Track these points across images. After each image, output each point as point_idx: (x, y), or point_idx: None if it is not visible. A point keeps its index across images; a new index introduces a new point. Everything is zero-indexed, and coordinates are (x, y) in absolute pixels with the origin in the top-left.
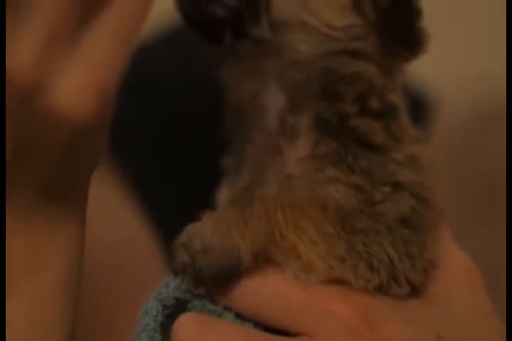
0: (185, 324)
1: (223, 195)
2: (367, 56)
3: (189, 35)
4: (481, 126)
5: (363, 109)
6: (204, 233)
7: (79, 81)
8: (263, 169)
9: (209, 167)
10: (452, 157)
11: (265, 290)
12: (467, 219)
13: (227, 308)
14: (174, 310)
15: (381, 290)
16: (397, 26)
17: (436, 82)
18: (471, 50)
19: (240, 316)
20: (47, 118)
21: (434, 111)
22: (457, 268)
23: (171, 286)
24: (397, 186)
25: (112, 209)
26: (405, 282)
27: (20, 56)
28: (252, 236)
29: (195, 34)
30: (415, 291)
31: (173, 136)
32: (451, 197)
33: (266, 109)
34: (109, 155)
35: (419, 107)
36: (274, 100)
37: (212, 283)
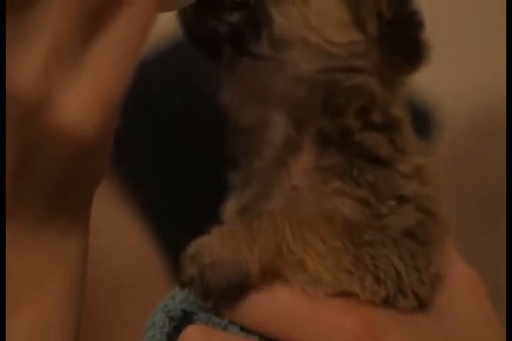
0: (191, 336)
1: (230, 208)
2: (368, 70)
3: (191, 47)
4: (480, 136)
5: (366, 123)
6: (213, 247)
7: (84, 96)
8: (269, 181)
9: (213, 178)
10: (453, 166)
11: (271, 304)
12: (468, 225)
13: (232, 321)
14: (181, 321)
15: (388, 302)
16: (400, 39)
17: (435, 93)
18: (470, 62)
19: (244, 329)
20: (51, 134)
21: (434, 123)
22: (461, 279)
23: (177, 298)
24: (402, 199)
25: (114, 220)
26: (412, 295)
27: (25, 71)
28: (260, 251)
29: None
30: (422, 304)
31: (175, 146)
32: (453, 204)
33: (269, 124)
34: (111, 167)
35: (420, 119)
36: (277, 116)
37: (221, 297)
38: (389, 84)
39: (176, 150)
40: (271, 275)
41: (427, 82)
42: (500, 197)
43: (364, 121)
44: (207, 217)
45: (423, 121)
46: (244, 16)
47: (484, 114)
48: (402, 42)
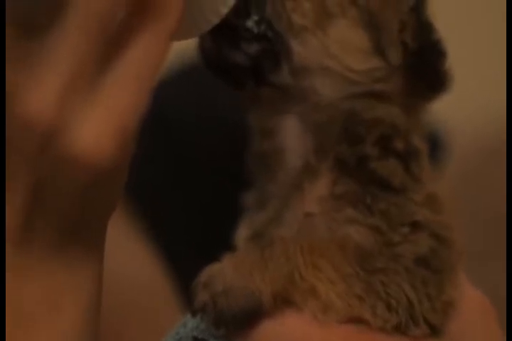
0: None
1: (242, 232)
2: (389, 98)
3: (206, 72)
4: (487, 154)
5: (385, 151)
6: (225, 274)
7: (100, 126)
8: (283, 207)
9: (225, 203)
10: (463, 184)
11: (283, 331)
12: (473, 247)
13: None
14: None
15: (399, 330)
16: (423, 68)
17: (444, 114)
18: (477, 85)
19: None
20: (65, 164)
21: (444, 143)
22: (472, 305)
23: (189, 325)
24: (415, 226)
25: (126, 247)
26: (424, 323)
27: (40, 100)
28: (272, 279)
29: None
30: (434, 332)
31: (188, 172)
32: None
33: (288, 149)
34: (124, 193)
35: (430, 140)
36: (297, 141)
37: (233, 324)
38: (412, 112)
39: (189, 176)
40: (283, 302)
41: (436, 104)
42: (503, 214)
43: (383, 148)
44: (219, 243)
45: (433, 141)
46: (262, 48)
47: (491, 133)
48: (424, 71)
